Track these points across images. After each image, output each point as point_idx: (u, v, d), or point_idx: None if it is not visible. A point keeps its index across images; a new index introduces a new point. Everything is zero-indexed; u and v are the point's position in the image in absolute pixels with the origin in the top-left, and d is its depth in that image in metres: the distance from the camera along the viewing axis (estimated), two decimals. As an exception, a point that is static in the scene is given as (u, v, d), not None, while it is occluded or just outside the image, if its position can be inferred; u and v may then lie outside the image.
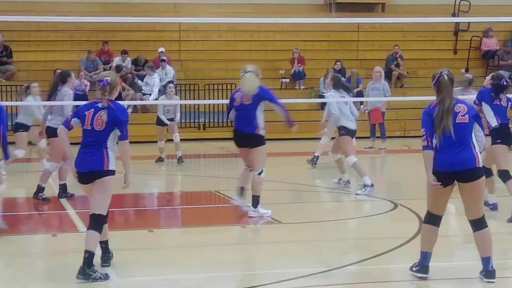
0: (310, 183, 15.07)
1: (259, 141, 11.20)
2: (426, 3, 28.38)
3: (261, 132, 11.21)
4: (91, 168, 7.96)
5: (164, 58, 24.63)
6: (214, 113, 24.66)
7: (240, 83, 11.36)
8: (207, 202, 13.77)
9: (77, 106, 9.74)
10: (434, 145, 7.58)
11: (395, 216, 11.71)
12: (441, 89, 7.69)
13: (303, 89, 26.26)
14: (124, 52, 25.42)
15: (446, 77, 7.73)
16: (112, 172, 8.03)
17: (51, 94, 12.72)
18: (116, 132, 8.02)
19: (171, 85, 18.62)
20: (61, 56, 25.73)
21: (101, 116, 7.97)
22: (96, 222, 7.96)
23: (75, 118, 8.13)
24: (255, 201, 11.26)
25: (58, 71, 13.75)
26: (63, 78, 12.80)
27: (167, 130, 18.25)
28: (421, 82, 26.43)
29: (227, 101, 24.83)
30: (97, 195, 8.00)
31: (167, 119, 18.07)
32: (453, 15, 28.27)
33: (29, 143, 16.24)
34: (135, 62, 25.58)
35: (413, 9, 27.67)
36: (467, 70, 28.00)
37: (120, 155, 8.10)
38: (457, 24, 28.47)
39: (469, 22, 28.06)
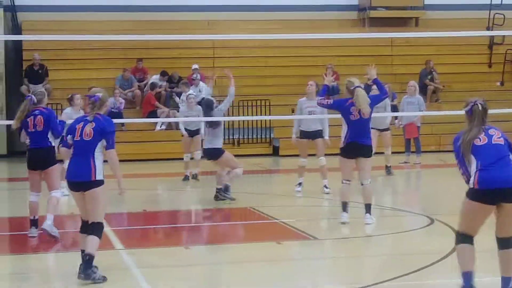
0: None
1: (371, 151, 12.11)
2: (459, 17, 28.23)
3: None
4: (80, 179, 8.57)
5: (195, 76, 24.66)
6: (248, 129, 24.67)
7: (354, 98, 11.76)
8: (242, 218, 13.75)
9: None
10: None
11: (431, 231, 11.63)
12: (473, 118, 7.45)
13: (337, 104, 26.17)
14: (164, 74, 25.46)
15: (480, 107, 7.43)
16: (100, 182, 8.58)
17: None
18: (103, 143, 8.62)
19: (191, 95, 18.03)
20: (96, 74, 25.87)
21: (89, 127, 8.63)
22: (96, 229, 8.59)
23: (69, 135, 8.79)
24: (369, 208, 11.98)
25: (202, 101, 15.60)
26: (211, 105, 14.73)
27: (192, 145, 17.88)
28: (456, 96, 26.25)
29: (261, 117, 24.99)
30: (89, 205, 8.58)
31: (192, 131, 17.71)
32: (488, 28, 28.11)
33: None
34: (169, 79, 25.68)
35: (447, 23, 27.55)
36: (502, 84, 27.86)
37: (109, 163, 8.66)
38: (492, 37, 28.28)
39: (503, 35, 27.87)
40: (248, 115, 24.34)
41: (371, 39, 26.47)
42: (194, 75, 24.74)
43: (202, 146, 16.32)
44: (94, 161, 8.55)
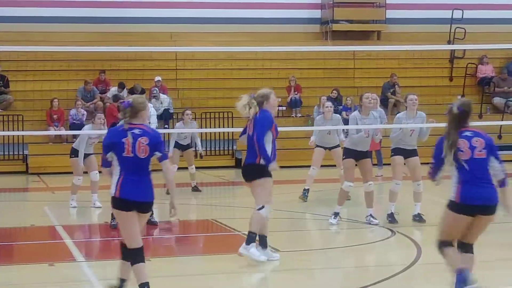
0: (307, 211, 15.05)
1: (253, 173, 10.10)
2: (421, 30, 28.50)
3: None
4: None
5: (155, 91, 24.53)
6: (211, 141, 24.66)
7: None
8: (204, 230, 13.74)
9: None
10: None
11: (392, 243, 11.70)
12: (448, 121, 7.63)
13: (300, 117, 26.31)
14: (121, 85, 25.29)
15: (454, 109, 7.57)
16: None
17: None
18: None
19: (188, 111, 17.85)
20: (58, 86, 25.76)
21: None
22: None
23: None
24: (247, 237, 10.18)
25: None
26: None
27: (182, 157, 17.69)
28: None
29: (224, 130, 24.96)
30: None
31: (183, 145, 17.53)
32: (449, 42, 28.41)
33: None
34: (131, 91, 25.57)
35: (409, 36, 27.79)
36: (463, 97, 28.14)
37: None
38: (453, 51, 28.59)
39: (464, 50, 28.19)
40: (210, 127, 24.35)
41: (334, 52, 26.67)
42: (154, 90, 24.63)
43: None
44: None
